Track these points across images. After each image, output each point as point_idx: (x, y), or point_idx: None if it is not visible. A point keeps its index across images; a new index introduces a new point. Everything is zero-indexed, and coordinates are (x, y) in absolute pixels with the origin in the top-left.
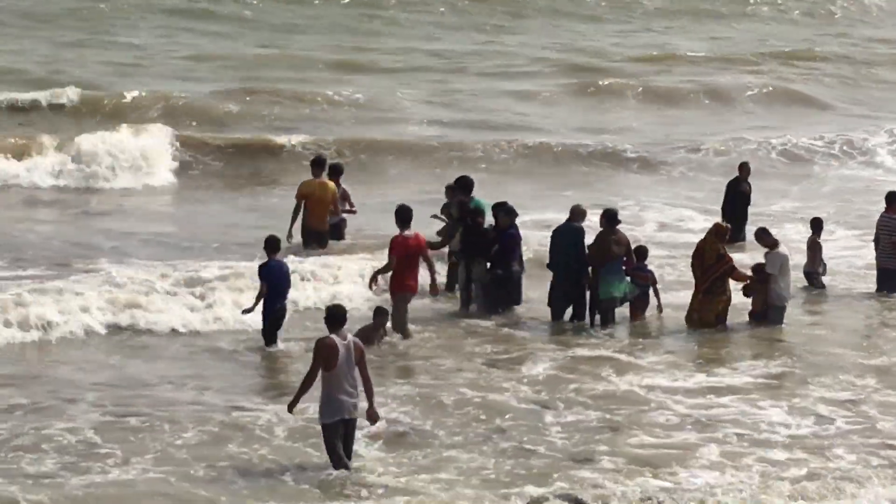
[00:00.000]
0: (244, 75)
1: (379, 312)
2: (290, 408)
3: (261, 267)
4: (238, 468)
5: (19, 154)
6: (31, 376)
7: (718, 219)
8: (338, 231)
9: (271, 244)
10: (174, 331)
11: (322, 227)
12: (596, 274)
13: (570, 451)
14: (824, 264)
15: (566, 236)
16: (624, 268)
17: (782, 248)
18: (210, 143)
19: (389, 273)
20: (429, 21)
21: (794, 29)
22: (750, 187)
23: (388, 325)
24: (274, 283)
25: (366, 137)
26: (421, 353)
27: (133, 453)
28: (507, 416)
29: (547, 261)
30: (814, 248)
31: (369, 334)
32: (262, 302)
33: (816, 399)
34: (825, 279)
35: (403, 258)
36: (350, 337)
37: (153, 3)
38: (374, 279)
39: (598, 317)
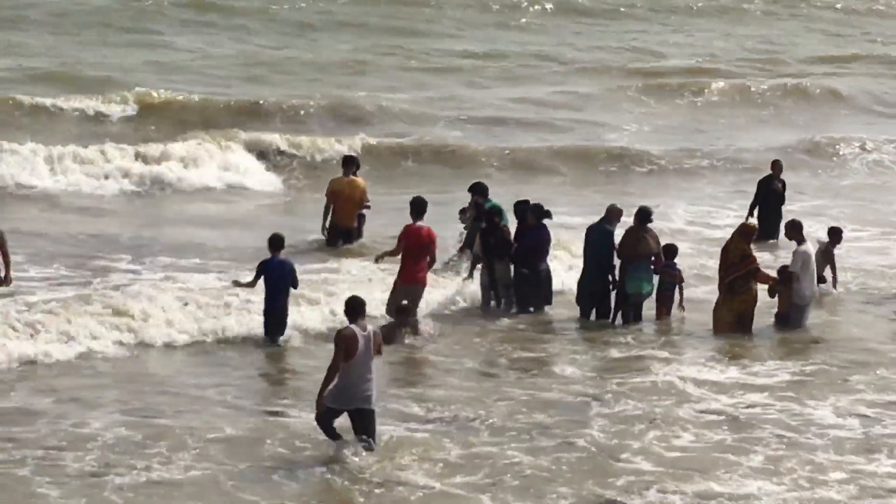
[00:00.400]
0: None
1: (401, 311)
2: (318, 404)
3: (260, 263)
4: (282, 468)
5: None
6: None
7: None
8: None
9: (274, 242)
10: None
11: (350, 224)
12: (624, 270)
13: (610, 449)
14: (835, 275)
15: (597, 236)
16: (653, 266)
17: (807, 246)
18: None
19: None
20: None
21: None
22: (783, 185)
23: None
24: (274, 281)
25: (451, 143)
26: (447, 352)
27: (176, 450)
28: (544, 415)
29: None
30: (827, 257)
31: (392, 332)
32: (263, 299)
33: (857, 400)
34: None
35: (414, 248)
36: (370, 328)
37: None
38: (380, 257)
39: (621, 314)
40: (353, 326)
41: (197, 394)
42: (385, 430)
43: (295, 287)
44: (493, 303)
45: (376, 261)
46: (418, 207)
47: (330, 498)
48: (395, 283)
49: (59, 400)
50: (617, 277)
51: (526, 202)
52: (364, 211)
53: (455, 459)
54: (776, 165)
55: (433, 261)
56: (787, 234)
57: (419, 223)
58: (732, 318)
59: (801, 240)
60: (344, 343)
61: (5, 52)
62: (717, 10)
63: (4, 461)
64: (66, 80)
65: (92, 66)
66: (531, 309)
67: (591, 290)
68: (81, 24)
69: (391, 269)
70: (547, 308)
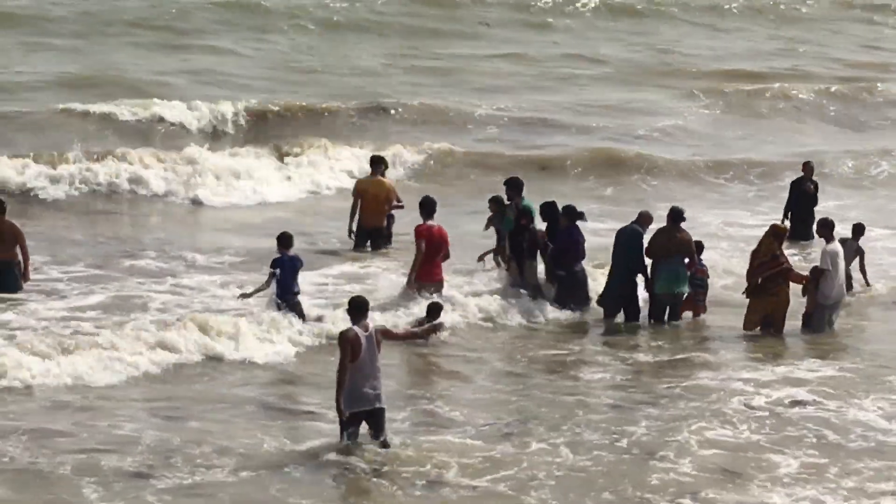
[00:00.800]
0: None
1: (432, 310)
2: (338, 407)
3: (273, 261)
4: (325, 470)
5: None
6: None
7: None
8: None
9: (283, 239)
10: None
11: (377, 223)
12: (654, 269)
13: (649, 451)
14: (863, 269)
15: (627, 237)
16: (687, 269)
17: (835, 245)
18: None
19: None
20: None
21: None
22: (815, 186)
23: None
24: (286, 278)
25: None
26: (480, 354)
27: (221, 453)
28: (580, 416)
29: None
30: (855, 252)
31: (428, 333)
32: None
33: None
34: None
35: (428, 247)
36: (372, 327)
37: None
38: (411, 278)
39: (650, 314)
40: (355, 327)
41: (233, 399)
42: (421, 429)
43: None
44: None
45: (409, 282)
46: (428, 207)
47: (374, 500)
48: (416, 282)
49: (94, 402)
50: (650, 276)
51: (553, 203)
52: (394, 212)
53: (495, 459)
54: (807, 167)
55: (447, 257)
56: (817, 232)
57: (429, 222)
58: (759, 318)
59: (830, 238)
60: (348, 344)
61: (54, 57)
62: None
63: (45, 461)
64: (127, 86)
65: (143, 71)
66: (572, 307)
67: (621, 293)
68: (107, 26)
69: None
70: (572, 309)
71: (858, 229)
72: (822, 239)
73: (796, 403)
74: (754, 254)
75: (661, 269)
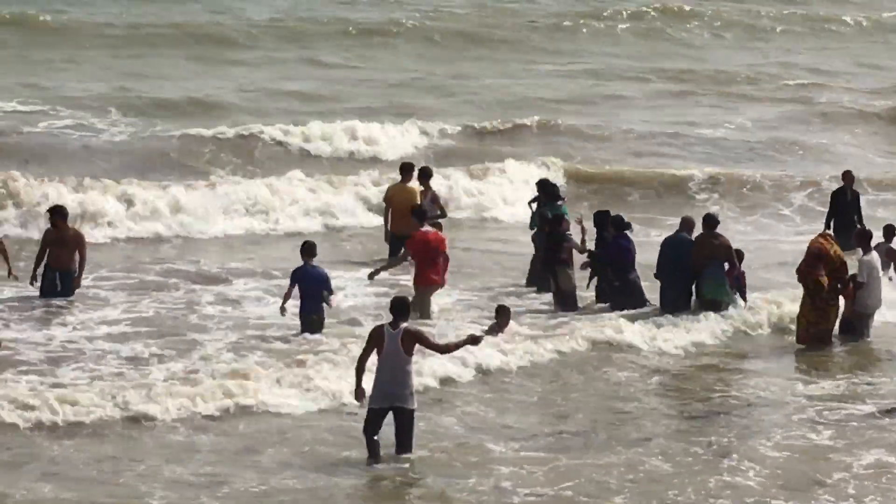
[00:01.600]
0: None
1: (501, 311)
2: (357, 396)
3: (294, 271)
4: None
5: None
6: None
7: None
8: None
9: (306, 249)
10: None
11: (404, 229)
12: (700, 276)
13: (714, 457)
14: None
15: (671, 248)
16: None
17: (872, 255)
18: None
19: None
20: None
21: None
22: (855, 195)
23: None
24: (309, 287)
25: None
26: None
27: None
28: (635, 422)
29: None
30: (890, 255)
31: (492, 332)
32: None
33: None
34: None
35: (423, 253)
36: (403, 327)
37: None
38: (375, 273)
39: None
40: (384, 324)
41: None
42: (484, 438)
43: (330, 293)
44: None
45: (371, 276)
46: (421, 215)
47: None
48: (415, 287)
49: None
50: (694, 284)
51: (605, 213)
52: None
53: (560, 467)
54: (847, 176)
55: (447, 260)
56: (854, 242)
57: (423, 229)
58: (813, 329)
59: (867, 249)
60: (369, 336)
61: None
62: None
63: None
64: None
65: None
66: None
67: (672, 299)
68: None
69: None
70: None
71: (890, 230)
72: (860, 249)
73: (853, 416)
74: (826, 258)
75: (705, 275)
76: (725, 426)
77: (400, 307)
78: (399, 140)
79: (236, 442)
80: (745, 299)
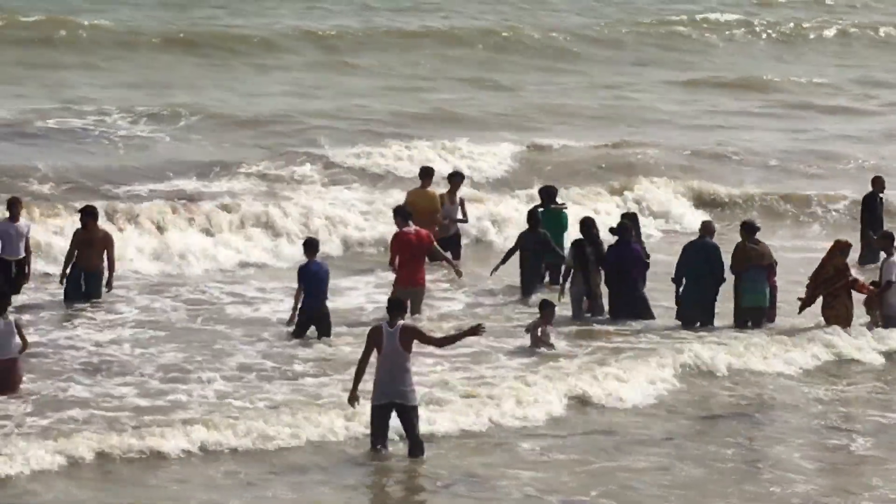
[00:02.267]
0: None
1: (545, 306)
2: (350, 400)
3: (300, 269)
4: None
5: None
6: None
7: None
8: (447, 244)
9: (310, 245)
10: None
11: None
12: (738, 282)
13: (752, 462)
14: None
15: (694, 252)
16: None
17: None
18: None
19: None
20: None
21: None
22: (881, 200)
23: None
24: (311, 284)
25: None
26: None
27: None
28: (673, 426)
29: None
30: None
31: (535, 328)
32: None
33: None
34: None
35: (407, 252)
36: (401, 324)
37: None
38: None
39: (734, 323)
40: (382, 323)
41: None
42: (511, 440)
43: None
44: (587, 314)
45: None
46: (402, 213)
47: None
48: (394, 287)
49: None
50: (734, 290)
51: (629, 219)
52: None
53: (592, 470)
54: (877, 182)
55: (443, 255)
56: (878, 245)
57: (406, 228)
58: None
59: (891, 251)
60: (368, 336)
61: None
62: None
63: None
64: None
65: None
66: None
67: (695, 302)
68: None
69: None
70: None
71: None
72: (883, 252)
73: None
74: (817, 272)
75: (746, 280)
76: (755, 430)
77: (397, 305)
78: None
79: None
80: (774, 310)
